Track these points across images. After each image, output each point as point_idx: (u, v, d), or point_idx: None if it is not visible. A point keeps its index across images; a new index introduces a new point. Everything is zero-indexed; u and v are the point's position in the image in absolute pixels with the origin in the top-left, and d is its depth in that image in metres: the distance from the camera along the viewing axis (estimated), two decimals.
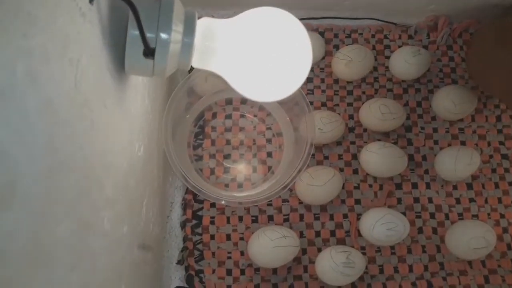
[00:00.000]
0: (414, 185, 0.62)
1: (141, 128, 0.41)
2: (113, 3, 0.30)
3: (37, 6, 0.19)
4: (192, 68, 0.37)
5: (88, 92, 0.26)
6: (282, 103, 0.59)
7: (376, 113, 0.59)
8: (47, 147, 0.20)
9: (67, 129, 0.23)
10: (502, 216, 0.62)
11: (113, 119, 0.31)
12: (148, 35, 0.30)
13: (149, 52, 0.31)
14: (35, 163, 0.19)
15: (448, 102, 0.61)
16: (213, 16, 0.65)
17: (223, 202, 0.54)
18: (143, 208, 0.44)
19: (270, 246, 0.53)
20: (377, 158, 0.58)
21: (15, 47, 0.17)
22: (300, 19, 0.66)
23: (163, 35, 0.31)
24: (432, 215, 0.61)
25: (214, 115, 0.61)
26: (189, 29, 0.33)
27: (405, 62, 0.62)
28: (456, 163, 0.58)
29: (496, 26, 0.57)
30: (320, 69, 0.65)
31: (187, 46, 0.33)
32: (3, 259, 0.16)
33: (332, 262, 0.53)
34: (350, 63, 0.61)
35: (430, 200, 0.61)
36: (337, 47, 0.66)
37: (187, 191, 0.58)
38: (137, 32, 0.30)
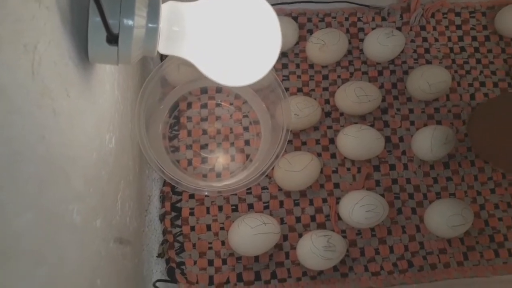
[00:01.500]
0: (392, 167, 0.62)
1: (111, 119, 0.40)
2: None
3: None
4: (164, 57, 0.36)
5: (47, 80, 0.25)
6: (257, 90, 0.59)
7: (352, 96, 0.59)
8: (2, 140, 0.19)
9: (24, 118, 0.22)
10: (479, 193, 0.62)
11: (78, 109, 0.30)
12: (111, 21, 0.29)
13: (112, 39, 0.30)
14: None
15: (423, 82, 0.61)
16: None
17: (205, 193, 0.54)
18: (118, 202, 0.43)
19: (251, 234, 0.53)
20: (354, 141, 0.58)
21: None
22: (273, 4, 0.65)
23: (126, 20, 0.30)
24: (411, 196, 0.61)
25: (189, 105, 0.60)
26: (154, 13, 0.32)
27: (379, 44, 0.62)
28: (432, 142, 0.59)
29: (507, 99, 0.57)
30: (295, 55, 0.65)
31: (152, 31, 0.32)
32: None
33: (313, 247, 0.53)
34: (324, 47, 0.61)
35: (408, 181, 0.62)
36: (311, 32, 0.66)
37: (165, 183, 0.57)
38: (98, 18, 0.29)
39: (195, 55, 0.34)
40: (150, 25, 0.32)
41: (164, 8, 0.33)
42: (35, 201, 0.23)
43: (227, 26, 0.34)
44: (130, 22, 0.30)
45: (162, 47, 0.34)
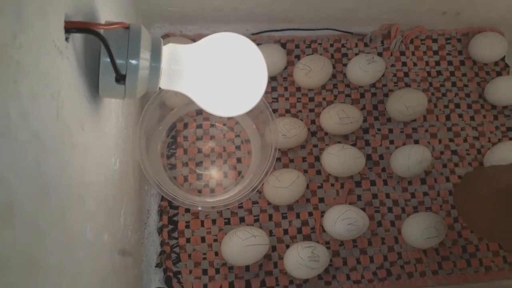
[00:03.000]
0: (373, 183, 0.67)
1: (116, 143, 0.45)
2: (87, 37, 0.34)
3: (24, 55, 0.23)
4: None
5: (68, 120, 0.30)
6: (248, 112, 0.63)
7: (335, 118, 0.64)
8: (36, 172, 0.24)
9: (51, 155, 0.26)
10: (453, 207, 0.68)
11: (90, 139, 0.35)
12: (119, 62, 0.34)
13: (120, 78, 0.35)
14: (27, 187, 0.23)
15: (400, 105, 0.67)
16: (181, 32, 0.69)
17: (199, 208, 0.58)
18: (121, 217, 0.47)
19: (241, 245, 0.57)
20: (337, 160, 0.63)
21: (8, 93, 0.21)
22: (264, 31, 0.71)
23: (132, 63, 0.35)
24: (390, 210, 0.66)
25: (186, 126, 0.65)
26: (156, 55, 0.37)
27: (360, 70, 0.67)
28: (409, 161, 0.64)
29: (488, 172, 0.61)
30: (283, 79, 0.70)
31: (155, 71, 0.37)
32: (6, 267, 0.20)
33: (299, 257, 0.58)
34: (309, 72, 0.66)
35: (388, 196, 0.67)
36: (298, 57, 0.71)
37: (163, 198, 0.61)
38: (109, 61, 0.34)
39: (191, 89, 0.39)
40: (153, 65, 0.37)
41: (165, 50, 0.38)
42: (59, 222, 0.27)
43: (219, 65, 0.39)
44: (136, 64, 0.35)
45: (163, 84, 0.39)
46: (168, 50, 0.38)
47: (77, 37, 0.32)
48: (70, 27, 0.30)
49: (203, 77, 0.38)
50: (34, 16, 0.24)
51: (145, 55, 0.36)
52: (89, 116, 0.35)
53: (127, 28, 0.35)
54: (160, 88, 0.39)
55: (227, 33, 0.40)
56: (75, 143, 0.31)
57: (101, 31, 0.32)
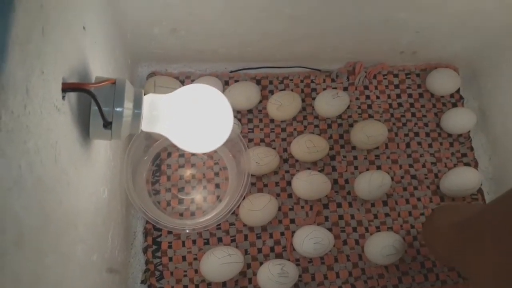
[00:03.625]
0: (339, 205, 0.74)
1: (104, 175, 0.52)
2: (79, 94, 0.41)
3: (31, 120, 0.30)
4: None
5: (64, 163, 0.37)
6: (225, 143, 0.71)
7: (303, 147, 0.72)
8: (39, 207, 0.31)
9: (50, 193, 0.34)
10: (412, 226, 0.75)
11: (82, 176, 0.42)
12: (106, 111, 0.42)
13: (107, 125, 0.42)
14: (32, 219, 0.30)
15: (362, 135, 0.74)
16: (166, 70, 0.77)
17: (187, 231, 0.65)
18: (109, 239, 0.54)
19: (218, 263, 0.64)
20: (306, 185, 0.70)
21: (20, 151, 0.28)
22: (241, 69, 0.79)
23: (117, 111, 0.42)
24: (354, 229, 0.73)
25: (169, 155, 0.72)
26: (137, 104, 0.44)
27: (326, 104, 0.75)
28: (370, 185, 0.71)
29: (448, 208, 0.68)
30: (258, 111, 0.78)
31: (136, 117, 0.44)
32: (18, 281, 0.27)
33: (270, 273, 0.64)
34: (280, 107, 0.74)
35: (352, 217, 0.74)
36: (272, 92, 0.79)
37: (147, 221, 0.68)
38: (97, 111, 0.41)
39: (167, 131, 0.47)
40: (135, 112, 0.44)
41: (146, 99, 0.45)
42: (55, 245, 0.34)
43: (190, 111, 0.46)
44: (120, 112, 0.42)
45: (144, 126, 0.46)
46: (148, 99, 0.46)
47: (72, 94, 0.40)
48: (66, 88, 0.37)
49: (177, 121, 0.46)
50: (39, 88, 0.31)
51: (128, 105, 0.43)
52: (81, 156, 0.42)
53: (114, 83, 0.43)
54: (141, 130, 0.46)
55: (199, 85, 0.48)
56: (69, 180, 0.38)
57: (92, 89, 0.40)
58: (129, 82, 0.44)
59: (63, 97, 0.37)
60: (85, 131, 0.43)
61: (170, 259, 0.68)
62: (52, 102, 0.35)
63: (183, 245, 0.68)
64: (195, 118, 0.46)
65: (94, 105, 0.41)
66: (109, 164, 0.55)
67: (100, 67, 0.52)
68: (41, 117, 0.32)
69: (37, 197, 0.31)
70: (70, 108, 0.39)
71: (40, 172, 0.31)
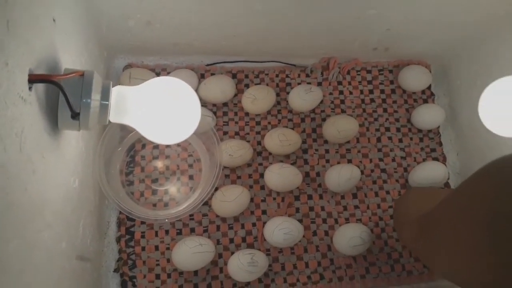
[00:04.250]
0: (310, 197, 0.76)
1: (75, 165, 0.53)
2: (48, 86, 0.42)
3: None
4: None
5: (29, 151, 0.38)
6: (199, 135, 0.73)
7: (276, 141, 0.74)
8: (1, 194, 0.32)
9: (15, 180, 0.35)
10: (381, 219, 0.77)
11: (50, 165, 0.43)
12: (74, 102, 0.43)
13: (75, 115, 0.43)
14: None
15: (334, 130, 0.76)
16: (142, 62, 0.78)
17: (151, 221, 0.66)
18: (80, 228, 0.55)
19: (189, 252, 0.66)
20: (277, 177, 0.72)
21: None
22: (217, 63, 0.80)
23: (85, 102, 0.43)
24: (324, 221, 0.75)
25: (143, 146, 0.73)
26: (105, 96, 0.45)
27: (299, 99, 0.77)
28: (339, 178, 0.73)
29: (415, 194, 0.70)
30: (234, 105, 0.79)
31: (104, 109, 0.45)
32: None
33: (240, 263, 0.66)
34: (255, 100, 0.76)
35: (323, 208, 0.76)
36: (247, 86, 0.80)
37: (121, 211, 0.69)
38: (65, 103, 0.42)
39: (135, 122, 0.48)
40: (102, 103, 0.45)
41: (114, 91, 0.47)
42: (20, 232, 0.35)
43: (157, 103, 0.47)
44: (88, 103, 0.43)
45: (112, 118, 0.47)
46: (116, 91, 0.47)
47: (40, 85, 0.41)
48: (33, 79, 0.38)
49: (144, 113, 0.47)
50: (4, 79, 0.32)
51: (95, 96, 0.44)
52: (49, 146, 0.43)
53: (82, 75, 0.44)
54: (109, 121, 0.47)
55: (167, 77, 0.49)
56: (36, 169, 0.39)
57: (59, 80, 0.41)
58: (97, 74, 0.45)
59: (30, 88, 0.38)
60: (54, 122, 0.44)
61: (143, 248, 0.69)
62: (18, 92, 0.36)
63: (156, 235, 0.70)
64: (162, 109, 0.47)
65: (63, 97, 0.42)
66: (81, 154, 0.56)
67: (71, 59, 0.52)
68: (5, 107, 0.33)
69: (0, 183, 0.32)
70: (38, 99, 0.40)
71: (3, 159, 0.33)
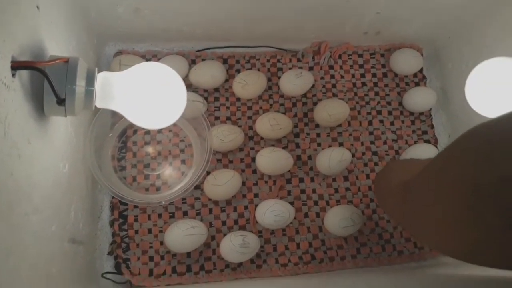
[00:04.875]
0: (301, 180, 0.77)
1: (65, 151, 0.54)
2: (33, 73, 0.43)
3: None
4: None
5: (14, 136, 0.39)
6: (190, 121, 0.73)
7: (267, 125, 0.74)
8: None
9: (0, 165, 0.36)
10: (372, 200, 0.78)
11: (37, 150, 0.44)
12: (59, 88, 0.44)
13: (61, 101, 0.44)
14: None
15: (325, 113, 0.77)
16: (133, 49, 0.79)
17: (145, 205, 0.68)
18: (72, 212, 0.57)
19: (182, 235, 0.67)
20: (268, 161, 0.73)
21: None
22: (208, 48, 0.81)
23: (70, 89, 0.44)
24: (316, 203, 0.76)
25: (135, 132, 0.74)
26: (90, 82, 0.46)
27: (290, 83, 0.77)
28: (330, 161, 0.74)
29: (398, 164, 0.68)
30: (225, 90, 0.80)
31: (89, 94, 0.46)
32: None
33: (231, 244, 0.68)
34: (245, 85, 0.76)
35: (314, 191, 0.77)
36: (238, 71, 0.81)
37: (114, 196, 0.71)
38: (50, 90, 0.43)
39: (121, 107, 0.49)
40: (88, 89, 0.46)
41: (99, 77, 0.47)
42: (6, 215, 0.37)
43: (143, 89, 0.48)
44: (73, 89, 0.44)
45: (98, 103, 0.48)
46: (101, 76, 0.47)
47: (25, 72, 0.42)
48: (16, 66, 0.39)
49: (129, 98, 0.48)
50: None
51: (80, 82, 0.45)
52: (35, 131, 0.44)
53: (67, 61, 0.45)
54: (95, 106, 0.48)
55: (152, 62, 0.50)
56: (22, 154, 0.40)
57: (43, 67, 0.42)
58: (82, 60, 0.46)
59: (13, 75, 0.39)
60: (40, 108, 0.45)
61: (136, 231, 0.70)
62: (0, 79, 0.36)
63: (149, 218, 0.71)
64: (147, 94, 0.48)
65: (48, 84, 0.43)
66: (71, 140, 0.57)
67: (58, 47, 0.53)
68: None
69: None
70: (22, 85, 0.41)
71: None
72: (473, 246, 0.38)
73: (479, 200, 0.35)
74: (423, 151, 0.80)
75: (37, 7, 0.46)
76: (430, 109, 0.85)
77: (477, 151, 0.37)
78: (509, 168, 0.32)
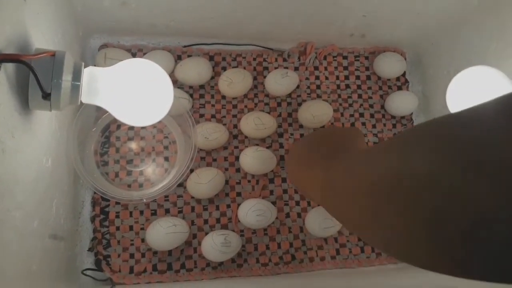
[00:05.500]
0: (284, 180, 0.78)
1: (48, 145, 0.53)
2: (18, 66, 0.42)
3: None
4: None
5: None
6: (175, 117, 0.73)
7: (251, 124, 0.75)
8: None
9: None
10: None
11: (21, 144, 0.44)
12: (45, 83, 0.43)
13: (46, 96, 0.43)
14: None
15: (309, 114, 0.78)
16: (119, 42, 0.78)
17: (125, 201, 0.67)
18: (53, 207, 0.56)
19: (163, 233, 0.67)
20: (252, 160, 0.73)
21: None
22: (194, 44, 0.80)
23: (55, 83, 0.43)
24: (297, 203, 0.77)
25: (119, 127, 0.73)
26: (76, 77, 0.45)
27: (275, 83, 0.78)
28: None
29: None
30: (211, 87, 0.80)
31: (75, 89, 0.46)
32: None
33: (213, 243, 0.68)
34: (231, 84, 0.76)
35: (296, 191, 0.78)
36: (224, 69, 0.81)
37: (95, 191, 0.70)
38: (36, 83, 0.42)
39: (107, 103, 0.48)
40: (74, 84, 0.45)
41: (85, 72, 0.47)
42: None
43: (129, 85, 0.48)
44: (59, 84, 0.43)
45: (84, 98, 0.47)
46: (87, 71, 0.47)
47: (10, 65, 0.41)
48: (1, 59, 0.38)
49: (115, 94, 0.47)
50: None
51: (67, 77, 0.44)
52: (19, 125, 0.43)
53: (53, 55, 0.44)
54: (81, 101, 0.47)
55: (139, 59, 0.49)
56: (5, 148, 0.40)
57: (29, 60, 0.41)
58: (69, 54, 0.45)
59: None
60: (25, 102, 0.44)
61: (118, 228, 0.70)
62: None
63: (131, 215, 0.71)
64: (133, 91, 0.48)
65: (33, 76, 0.42)
66: (55, 134, 0.56)
67: (44, 39, 0.52)
68: None
69: None
70: (7, 79, 0.40)
71: None
72: (388, 240, 0.37)
73: (398, 195, 0.34)
74: None
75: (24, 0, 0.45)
76: (411, 113, 0.87)
77: (407, 146, 0.36)
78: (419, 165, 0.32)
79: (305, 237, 0.76)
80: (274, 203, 0.76)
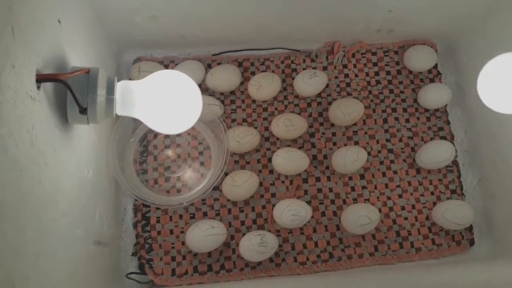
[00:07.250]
0: (317, 179, 0.78)
1: (88, 156, 0.57)
2: (56, 84, 0.45)
3: (4, 109, 0.34)
4: None
5: (41, 146, 0.41)
6: (207, 124, 0.75)
7: (282, 126, 0.76)
8: (15, 186, 0.36)
9: (27, 172, 0.38)
10: (389, 198, 0.79)
11: (62, 157, 0.47)
12: (81, 98, 0.46)
13: (83, 111, 0.47)
14: (10, 196, 0.34)
15: (339, 113, 0.78)
16: (151, 55, 0.81)
17: (166, 207, 0.70)
18: (96, 215, 0.59)
19: (202, 235, 0.69)
20: (284, 161, 0.75)
21: None
22: (223, 52, 0.83)
23: (91, 98, 0.46)
24: (333, 202, 0.77)
25: (155, 136, 0.76)
26: (110, 91, 0.48)
27: (304, 84, 0.79)
28: (345, 159, 0.75)
29: None
30: (241, 92, 0.82)
31: (110, 103, 0.49)
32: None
33: (250, 243, 0.69)
34: (260, 88, 0.78)
35: (331, 190, 0.78)
36: (253, 73, 0.82)
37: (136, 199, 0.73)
38: (73, 100, 0.45)
39: (141, 115, 0.51)
40: (108, 98, 0.49)
41: (119, 86, 0.50)
42: (35, 220, 0.39)
43: (161, 96, 0.50)
44: (94, 98, 0.47)
45: (119, 111, 0.50)
46: (121, 85, 0.50)
47: (48, 84, 0.44)
48: (41, 79, 0.42)
49: (148, 105, 0.50)
50: (11, 81, 0.36)
51: (101, 92, 0.47)
52: (60, 140, 0.47)
53: (88, 72, 0.47)
54: (116, 114, 0.50)
55: (168, 70, 0.52)
56: (48, 162, 0.43)
57: (66, 78, 0.44)
58: (102, 70, 0.48)
59: (38, 87, 0.42)
60: (64, 117, 0.48)
61: (159, 232, 0.73)
62: (26, 92, 0.39)
63: (171, 219, 0.73)
64: (165, 102, 0.50)
65: (70, 94, 0.45)
66: (94, 146, 0.60)
67: (79, 57, 0.56)
68: (14, 106, 0.36)
69: (13, 176, 0.35)
70: (47, 97, 0.44)
71: (15, 154, 0.36)
72: None
73: None
74: (439, 148, 0.80)
75: (59, 21, 0.49)
76: (446, 105, 0.85)
77: None
78: None
79: (342, 235, 0.76)
80: (309, 202, 0.76)
